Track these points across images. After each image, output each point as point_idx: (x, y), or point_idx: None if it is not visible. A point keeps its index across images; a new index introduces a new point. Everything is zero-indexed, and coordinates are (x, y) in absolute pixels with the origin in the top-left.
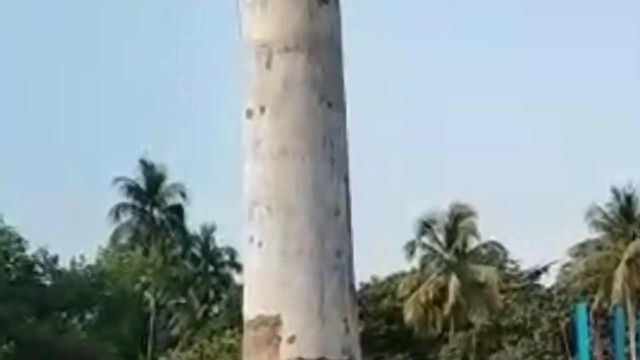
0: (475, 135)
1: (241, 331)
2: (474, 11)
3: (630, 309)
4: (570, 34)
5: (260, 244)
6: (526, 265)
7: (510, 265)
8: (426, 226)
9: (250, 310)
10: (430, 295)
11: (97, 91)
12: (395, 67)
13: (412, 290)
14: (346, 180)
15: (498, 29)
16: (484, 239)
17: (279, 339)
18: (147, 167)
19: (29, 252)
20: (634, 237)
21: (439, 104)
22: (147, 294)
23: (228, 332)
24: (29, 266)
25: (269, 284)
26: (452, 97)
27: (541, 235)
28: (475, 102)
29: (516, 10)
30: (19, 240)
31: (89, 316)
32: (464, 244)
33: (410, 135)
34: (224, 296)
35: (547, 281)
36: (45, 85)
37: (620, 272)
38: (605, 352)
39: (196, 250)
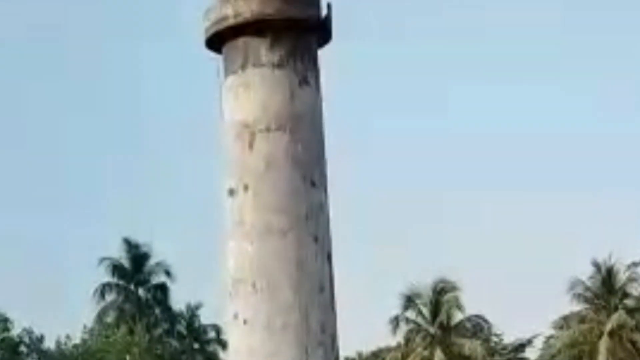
0: (461, 210)
1: None
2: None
3: None
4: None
5: (245, 321)
6: (510, 338)
7: (494, 339)
8: (410, 300)
9: None
10: None
11: (80, 169)
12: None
13: None
14: (329, 256)
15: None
16: (468, 312)
17: None
18: (131, 246)
19: (14, 332)
20: (616, 309)
21: (423, 170)
22: None
23: None
24: (14, 346)
25: None
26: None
27: (524, 308)
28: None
29: None
30: (5, 320)
31: None
32: (448, 318)
33: (395, 208)
34: None
35: (531, 354)
36: (24, 161)
37: (603, 344)
38: None
39: (182, 328)
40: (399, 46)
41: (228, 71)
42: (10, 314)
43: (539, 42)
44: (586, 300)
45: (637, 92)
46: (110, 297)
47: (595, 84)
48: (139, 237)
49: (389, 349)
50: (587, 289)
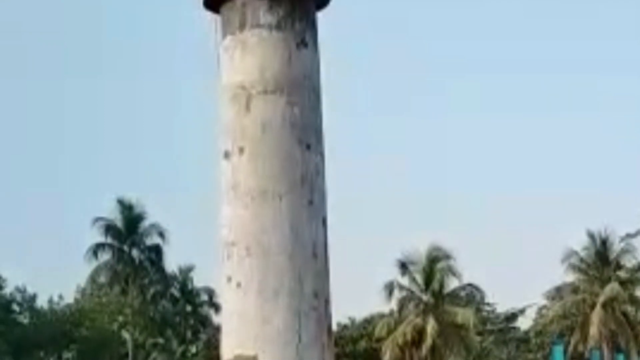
0: (457, 178)
1: None
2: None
3: (605, 352)
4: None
5: (238, 284)
6: (503, 308)
7: (487, 308)
8: (404, 267)
9: (228, 350)
10: (408, 337)
11: (76, 131)
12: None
13: (390, 332)
14: (324, 221)
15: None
16: (462, 281)
17: None
18: (125, 207)
19: (7, 291)
20: (609, 280)
21: (424, 145)
22: (125, 334)
23: None
24: (6, 304)
25: (246, 323)
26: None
27: (518, 278)
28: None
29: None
30: None
31: (66, 355)
32: (441, 286)
33: (391, 177)
34: (202, 336)
35: (524, 324)
36: (21, 124)
37: (596, 315)
38: None
39: (175, 290)
40: None
41: (226, 32)
42: (2, 272)
43: None
44: (580, 270)
45: None
46: (103, 257)
47: None
48: (132, 198)
49: (381, 316)
50: (581, 259)
